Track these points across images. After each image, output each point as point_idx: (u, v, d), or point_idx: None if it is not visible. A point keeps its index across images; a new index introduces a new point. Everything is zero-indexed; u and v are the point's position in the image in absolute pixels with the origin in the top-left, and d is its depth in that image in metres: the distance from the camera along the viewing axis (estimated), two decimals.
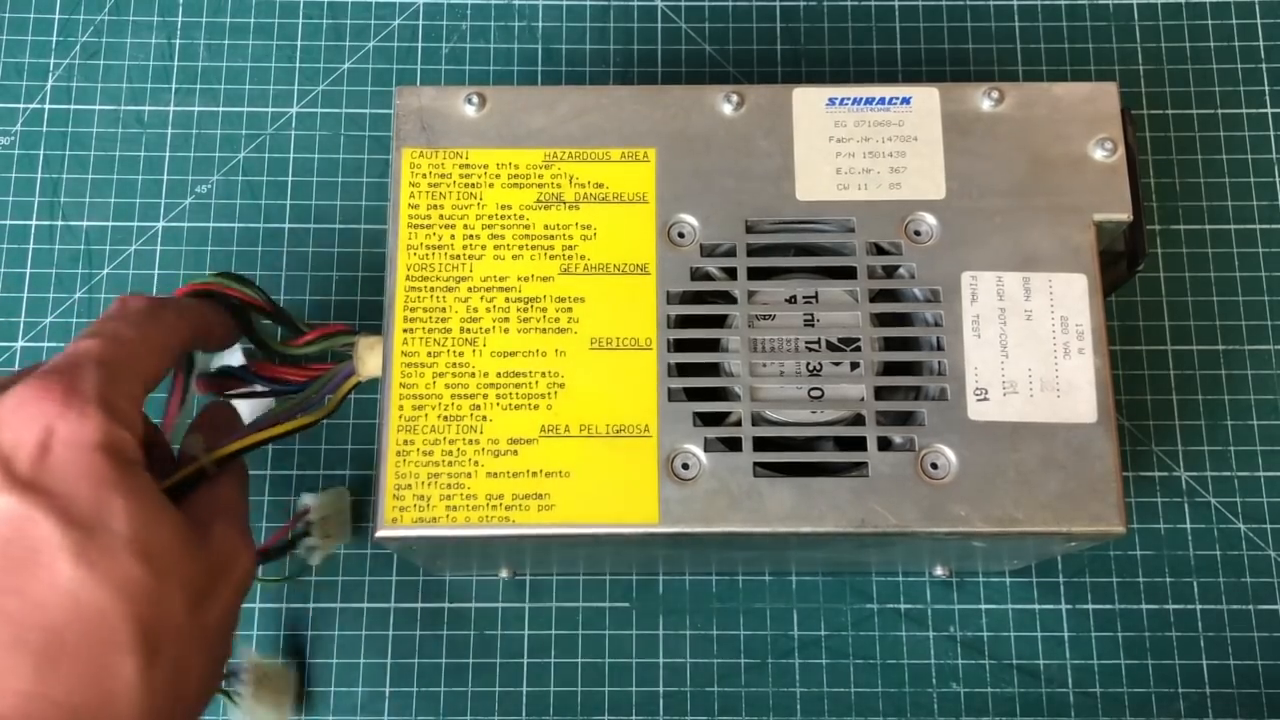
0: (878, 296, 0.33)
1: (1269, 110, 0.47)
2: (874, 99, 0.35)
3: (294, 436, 0.42)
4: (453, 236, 0.34)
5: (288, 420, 0.35)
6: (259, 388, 0.37)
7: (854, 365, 0.33)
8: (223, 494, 0.31)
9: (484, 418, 0.32)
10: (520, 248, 0.34)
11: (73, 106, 0.47)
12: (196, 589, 0.27)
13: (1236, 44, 0.47)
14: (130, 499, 0.26)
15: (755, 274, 0.34)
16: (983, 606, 0.42)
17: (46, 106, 0.47)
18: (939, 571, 0.42)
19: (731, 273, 0.34)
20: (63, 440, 0.26)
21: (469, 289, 0.33)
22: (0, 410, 0.26)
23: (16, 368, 0.44)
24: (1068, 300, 0.33)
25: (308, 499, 0.41)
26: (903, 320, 0.34)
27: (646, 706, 0.41)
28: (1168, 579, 0.42)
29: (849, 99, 0.35)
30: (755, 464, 0.32)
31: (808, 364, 0.33)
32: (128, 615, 0.25)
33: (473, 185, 0.34)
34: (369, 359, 0.35)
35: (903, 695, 0.41)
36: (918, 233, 0.34)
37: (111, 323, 0.29)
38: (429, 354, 0.33)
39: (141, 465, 0.28)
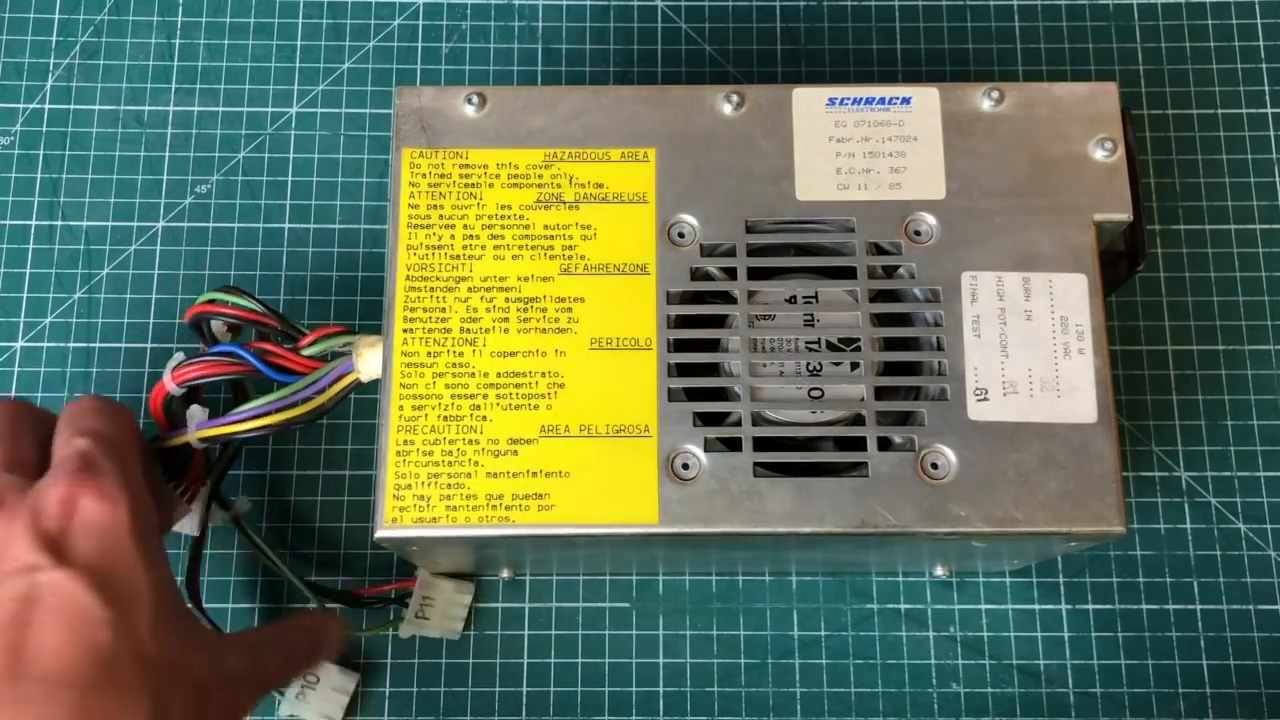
0: (878, 296, 0.33)
1: (1269, 110, 0.47)
2: (874, 99, 0.35)
3: (294, 436, 0.43)
4: (453, 236, 0.34)
5: (277, 413, 0.35)
6: (261, 370, 0.37)
7: (854, 365, 0.33)
8: (255, 645, 0.34)
9: (484, 418, 0.32)
10: (520, 248, 0.34)
11: (73, 106, 0.47)
12: (205, 691, 0.29)
13: (1236, 44, 0.47)
14: (152, 587, 0.29)
15: (755, 274, 0.34)
16: (983, 606, 0.42)
17: (46, 106, 0.47)
18: (939, 571, 0.42)
19: (731, 273, 0.34)
20: (101, 527, 0.29)
21: (469, 289, 0.33)
22: (46, 501, 0.29)
23: (16, 368, 0.44)
24: (1068, 300, 0.33)
25: (423, 574, 0.41)
26: (903, 320, 0.34)
27: (646, 706, 0.41)
28: (1168, 579, 0.42)
29: (849, 99, 0.35)
30: (755, 464, 0.32)
31: (808, 364, 0.33)
32: (147, 689, 0.27)
33: (473, 185, 0.34)
34: (369, 359, 0.35)
35: (903, 695, 0.41)
36: (918, 233, 0.34)
37: (87, 420, 0.32)
38: (429, 354, 0.33)
39: (160, 542, 0.31)
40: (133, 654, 0.27)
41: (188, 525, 0.38)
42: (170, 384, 0.36)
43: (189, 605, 0.37)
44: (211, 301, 0.37)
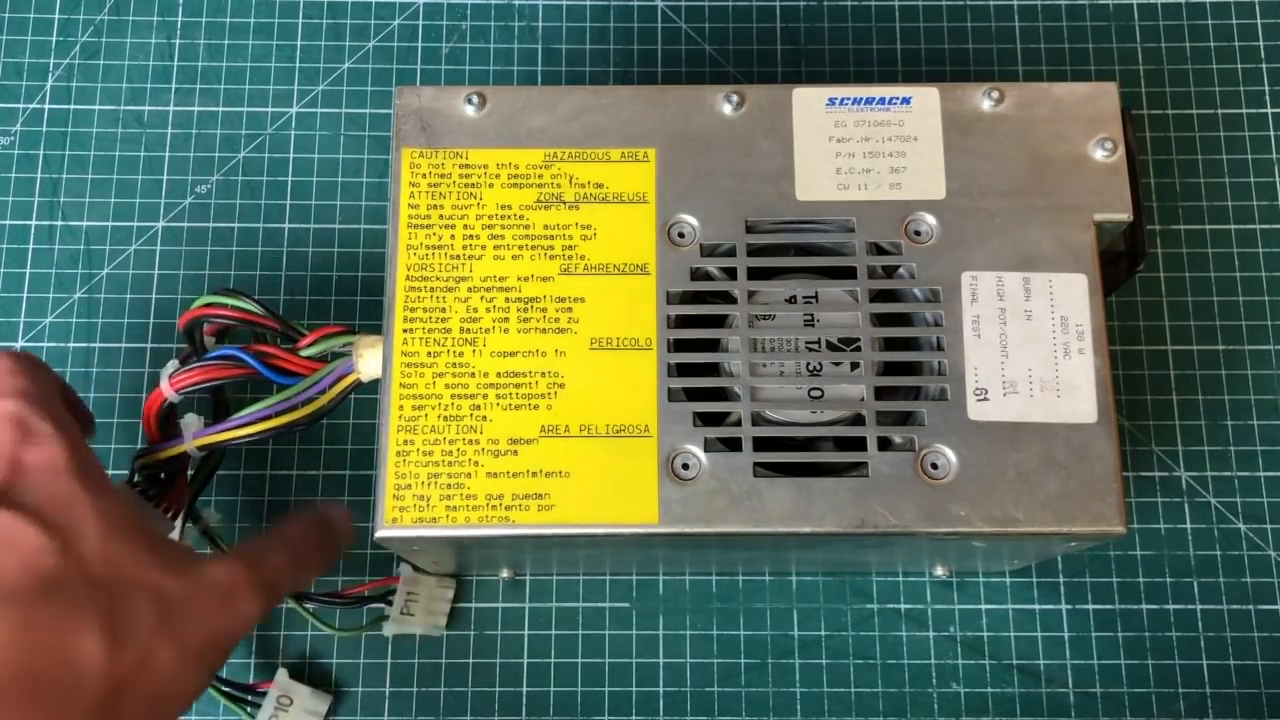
0: (878, 296, 0.33)
1: (1269, 110, 0.47)
2: (874, 99, 0.35)
3: (294, 436, 0.43)
4: (453, 236, 0.34)
5: (277, 416, 0.35)
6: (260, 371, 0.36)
7: (854, 365, 0.33)
8: (253, 549, 0.34)
9: (484, 418, 0.32)
10: (520, 248, 0.34)
11: (73, 106, 0.47)
12: (171, 602, 0.30)
13: (1236, 44, 0.47)
14: (98, 514, 0.30)
15: (755, 274, 0.34)
16: (983, 606, 0.42)
17: (46, 106, 0.47)
18: (939, 571, 0.42)
19: (731, 273, 0.34)
20: (42, 471, 0.31)
21: (469, 289, 0.33)
22: None
23: None
24: (1068, 300, 0.33)
25: (406, 570, 0.41)
26: (903, 320, 0.34)
27: (646, 706, 0.41)
28: (1168, 579, 0.42)
29: (849, 99, 0.35)
30: (755, 464, 0.32)
31: (808, 364, 0.33)
32: (95, 603, 0.29)
33: (473, 185, 0.34)
34: (369, 359, 0.35)
35: (903, 695, 0.41)
36: (918, 233, 0.34)
37: (8, 381, 0.33)
38: (429, 354, 0.33)
39: (102, 472, 0.32)
40: (79, 574, 0.29)
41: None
42: (169, 391, 0.36)
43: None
44: (209, 304, 0.37)
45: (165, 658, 0.29)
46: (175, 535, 0.38)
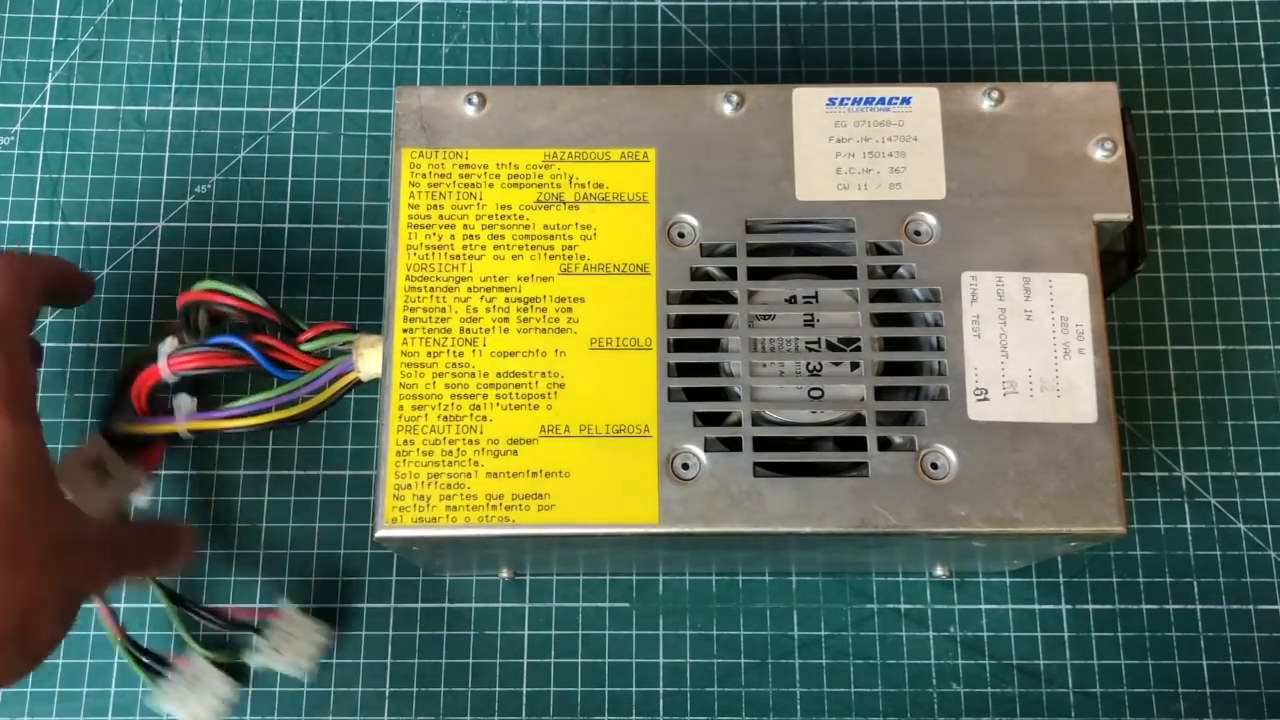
0: (878, 296, 0.33)
1: (1269, 110, 0.47)
2: (874, 99, 0.35)
3: (294, 436, 0.43)
4: (453, 236, 0.34)
5: (276, 410, 0.35)
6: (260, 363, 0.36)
7: (854, 365, 0.33)
8: None
9: (484, 418, 0.32)
10: (520, 248, 0.34)
11: (73, 106, 0.47)
12: None
13: (1236, 44, 0.47)
14: (15, 440, 0.31)
15: (755, 274, 0.34)
16: (983, 606, 0.42)
17: (46, 106, 0.47)
18: (939, 571, 0.42)
19: (731, 273, 0.34)
20: None
21: (469, 289, 0.33)
22: None
23: None
24: (1068, 300, 0.33)
25: (287, 607, 0.40)
26: (903, 320, 0.34)
27: (646, 706, 0.41)
28: (1168, 579, 0.42)
29: (849, 99, 0.35)
30: (755, 464, 0.32)
31: (808, 364, 0.33)
32: None
33: (473, 185, 0.34)
34: (369, 358, 0.35)
35: (903, 695, 0.41)
36: (918, 233, 0.34)
37: None
38: (429, 354, 0.33)
39: (32, 408, 0.32)
40: None
41: (142, 498, 0.39)
42: (165, 371, 0.36)
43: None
44: (212, 290, 0.37)
45: None
46: (139, 491, 0.38)
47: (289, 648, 0.40)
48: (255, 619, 0.40)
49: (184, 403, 0.37)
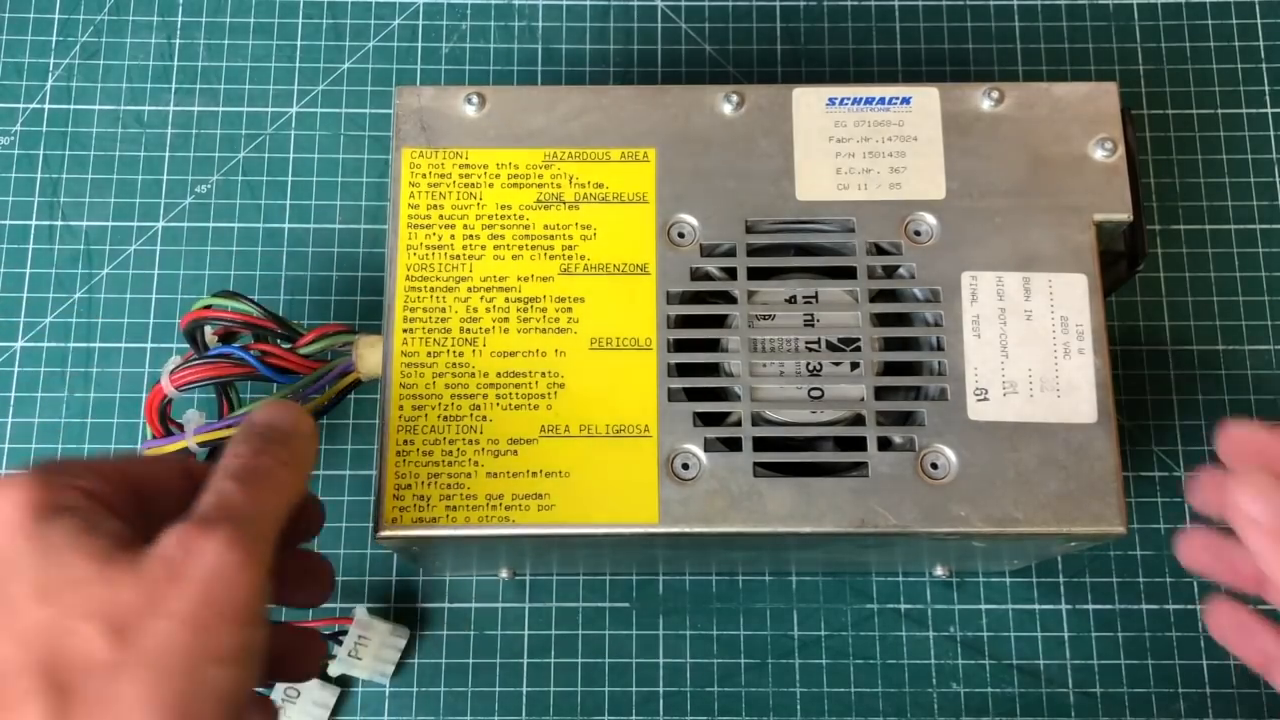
0: (878, 296, 0.33)
1: (1269, 110, 0.47)
2: (874, 99, 0.35)
3: None
4: (453, 236, 0.34)
5: None
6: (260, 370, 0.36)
7: (854, 365, 0.33)
8: (197, 502, 0.27)
9: (484, 418, 0.32)
10: (520, 248, 0.34)
11: (73, 106, 0.47)
12: (118, 618, 0.24)
13: (1236, 44, 0.47)
14: (35, 542, 0.24)
15: (755, 274, 0.34)
16: (983, 606, 0.42)
17: (46, 106, 0.47)
18: (939, 571, 0.42)
19: (731, 273, 0.34)
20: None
21: (469, 289, 0.33)
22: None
23: (16, 368, 0.44)
24: (1068, 300, 0.33)
25: (361, 612, 0.41)
26: (903, 320, 0.34)
27: (646, 706, 0.41)
28: (1168, 579, 0.42)
29: (849, 99, 0.35)
30: (755, 464, 0.32)
31: (808, 364, 0.33)
32: (27, 664, 0.23)
33: (472, 185, 0.34)
34: (369, 358, 0.35)
35: (903, 695, 0.41)
36: (918, 233, 0.34)
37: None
38: (429, 354, 0.33)
39: (71, 510, 0.25)
40: (3, 634, 0.23)
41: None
42: (169, 388, 0.36)
43: None
44: (208, 307, 0.37)
45: (132, 695, 0.23)
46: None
47: (368, 654, 0.41)
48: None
49: (192, 417, 0.37)
